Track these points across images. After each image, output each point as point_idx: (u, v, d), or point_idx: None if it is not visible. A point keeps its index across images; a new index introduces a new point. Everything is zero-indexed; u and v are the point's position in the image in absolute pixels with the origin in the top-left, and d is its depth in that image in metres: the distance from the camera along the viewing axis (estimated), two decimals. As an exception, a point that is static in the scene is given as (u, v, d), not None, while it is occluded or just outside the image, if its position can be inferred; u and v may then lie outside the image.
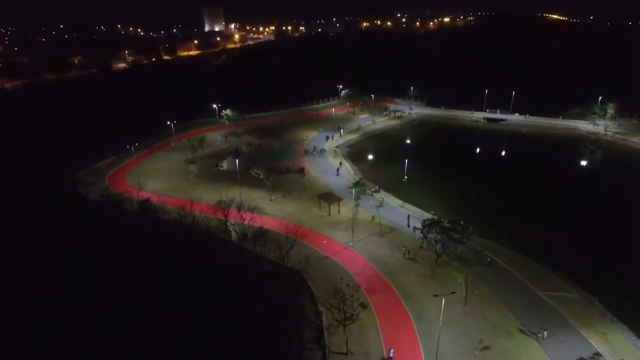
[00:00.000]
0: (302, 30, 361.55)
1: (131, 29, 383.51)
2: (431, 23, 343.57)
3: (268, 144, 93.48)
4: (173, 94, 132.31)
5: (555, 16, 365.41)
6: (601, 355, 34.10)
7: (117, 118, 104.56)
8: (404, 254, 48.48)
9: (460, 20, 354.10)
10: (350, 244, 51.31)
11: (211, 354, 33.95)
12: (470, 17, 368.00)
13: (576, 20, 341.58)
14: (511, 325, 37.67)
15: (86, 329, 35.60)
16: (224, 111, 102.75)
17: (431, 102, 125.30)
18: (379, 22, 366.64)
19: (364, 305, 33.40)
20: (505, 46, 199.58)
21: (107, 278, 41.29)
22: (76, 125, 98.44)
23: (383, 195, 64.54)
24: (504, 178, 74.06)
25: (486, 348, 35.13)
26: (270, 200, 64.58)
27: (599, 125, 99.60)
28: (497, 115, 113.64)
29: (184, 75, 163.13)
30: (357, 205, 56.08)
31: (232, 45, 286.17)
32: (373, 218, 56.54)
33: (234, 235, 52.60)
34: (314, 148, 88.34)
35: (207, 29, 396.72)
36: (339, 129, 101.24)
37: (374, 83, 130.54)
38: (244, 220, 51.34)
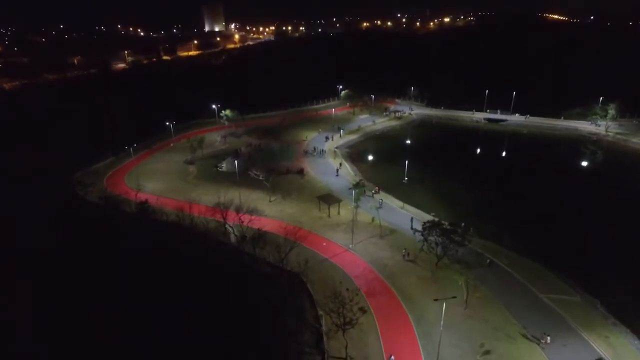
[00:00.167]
0: (302, 30, 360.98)
1: (131, 29, 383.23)
2: (431, 23, 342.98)
3: (267, 144, 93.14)
4: (172, 94, 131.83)
5: (556, 16, 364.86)
6: (604, 360, 33.78)
7: (116, 118, 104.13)
8: (403, 255, 48.10)
9: (461, 21, 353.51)
10: (350, 246, 50.94)
11: (210, 357, 33.58)
12: (470, 17, 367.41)
13: (576, 20, 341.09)
14: (512, 329, 37.29)
15: (86, 330, 35.34)
16: (223, 111, 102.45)
17: (431, 103, 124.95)
18: (379, 22, 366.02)
19: (363, 310, 33.02)
20: (506, 46, 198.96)
21: (105, 280, 40.97)
22: (75, 126, 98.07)
23: (383, 196, 64.14)
24: (505, 179, 73.72)
25: (487, 352, 34.75)
26: (270, 201, 64.21)
27: (600, 126, 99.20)
28: (498, 115, 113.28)
29: (184, 76, 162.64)
30: (357, 207, 55.69)
31: (232, 46, 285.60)
32: (373, 220, 56.16)
33: (232, 237, 52.21)
34: (314, 149, 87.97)
35: (207, 29, 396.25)
36: (339, 129, 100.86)
37: (374, 83, 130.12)
38: (242, 222, 50.95)
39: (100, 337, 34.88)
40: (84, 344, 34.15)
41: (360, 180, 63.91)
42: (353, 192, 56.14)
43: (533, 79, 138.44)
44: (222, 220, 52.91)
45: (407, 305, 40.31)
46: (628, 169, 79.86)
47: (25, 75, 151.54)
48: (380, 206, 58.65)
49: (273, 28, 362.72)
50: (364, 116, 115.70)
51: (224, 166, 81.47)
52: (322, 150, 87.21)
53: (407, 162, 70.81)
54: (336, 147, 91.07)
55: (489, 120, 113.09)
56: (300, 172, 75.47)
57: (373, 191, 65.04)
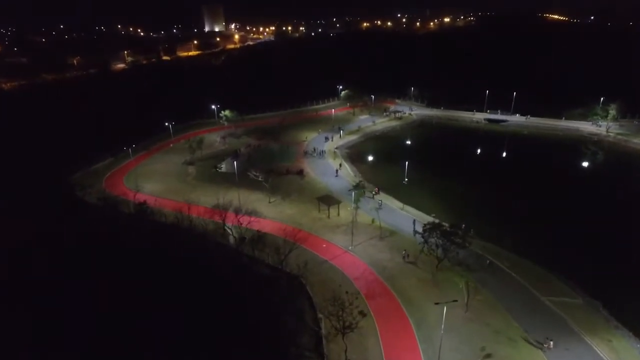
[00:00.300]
0: (302, 30, 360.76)
1: (131, 29, 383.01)
2: (431, 23, 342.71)
3: (267, 145, 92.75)
4: (172, 95, 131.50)
5: (556, 16, 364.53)
6: (606, 364, 33.41)
7: (115, 119, 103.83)
8: (403, 257, 47.72)
9: (461, 21, 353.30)
10: (350, 247, 50.55)
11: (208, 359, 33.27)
12: (470, 17, 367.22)
13: (576, 21, 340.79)
14: (514, 332, 36.90)
15: (84, 332, 35.04)
16: (223, 112, 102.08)
17: (431, 103, 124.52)
18: (379, 22, 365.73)
19: (363, 314, 32.65)
20: (506, 46, 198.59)
21: (102, 283, 40.61)
22: (74, 127, 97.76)
23: (383, 197, 63.75)
24: (505, 180, 73.33)
25: (488, 356, 34.38)
26: (269, 202, 63.83)
27: (601, 126, 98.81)
28: (498, 116, 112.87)
29: (183, 76, 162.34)
30: (356, 208, 55.27)
31: (231, 46, 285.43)
32: (373, 221, 55.77)
33: (231, 239, 51.83)
34: (314, 149, 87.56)
35: (207, 29, 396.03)
36: (339, 130, 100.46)
37: (374, 83, 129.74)
38: (241, 224, 50.56)
39: (99, 337, 34.64)
40: (83, 345, 33.92)
41: (360, 181, 63.51)
42: (353, 193, 55.61)
43: (533, 79, 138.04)
44: (221, 221, 52.59)
45: (408, 308, 39.91)
46: (629, 170, 79.46)
47: (24, 75, 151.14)
48: (379, 207, 58.23)
49: (273, 28, 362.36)
50: (364, 116, 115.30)
51: (224, 167, 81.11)
52: (322, 151, 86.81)
53: (407, 162, 70.43)
54: (336, 148, 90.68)
55: (490, 120, 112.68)
56: (300, 173, 75.07)
57: (373, 192, 64.65)
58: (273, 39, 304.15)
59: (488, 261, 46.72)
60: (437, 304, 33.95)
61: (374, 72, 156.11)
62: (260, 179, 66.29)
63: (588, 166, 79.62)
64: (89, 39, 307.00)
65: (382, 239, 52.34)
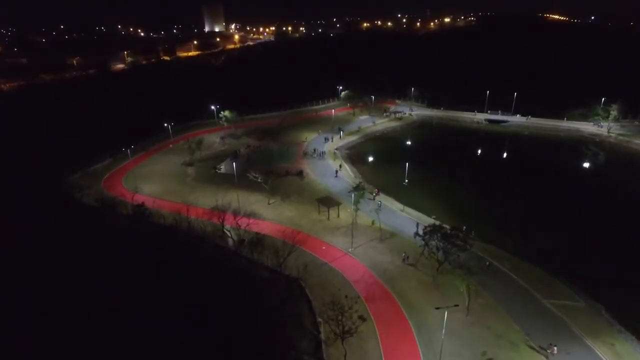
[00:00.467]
0: (302, 30, 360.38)
1: (131, 29, 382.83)
2: (432, 23, 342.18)
3: (267, 146, 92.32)
4: (172, 95, 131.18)
5: (556, 16, 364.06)
6: (609, 369, 33.00)
7: (114, 119, 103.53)
8: (403, 259, 47.31)
9: (461, 21, 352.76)
10: (350, 249, 50.13)
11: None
12: (470, 17, 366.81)
13: (577, 21, 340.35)
14: (515, 336, 36.48)
15: (81, 334, 34.78)
16: (222, 112, 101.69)
17: (432, 103, 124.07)
18: (379, 22, 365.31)
19: (363, 318, 32.21)
20: (506, 46, 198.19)
21: (99, 285, 40.27)
22: (73, 127, 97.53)
23: (383, 198, 63.32)
24: (506, 181, 72.94)
25: (490, 360, 33.97)
26: (269, 204, 63.43)
27: (603, 127, 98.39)
28: (499, 116, 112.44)
29: (183, 76, 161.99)
30: (356, 210, 54.84)
31: (231, 46, 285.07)
32: (373, 223, 55.35)
33: (230, 241, 51.43)
34: (314, 150, 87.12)
35: (207, 29, 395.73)
36: (339, 130, 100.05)
37: (374, 84, 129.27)
38: (239, 226, 50.13)
39: (95, 341, 34.32)
40: (81, 347, 33.65)
41: (360, 182, 63.05)
42: (353, 195, 55.11)
43: (534, 80, 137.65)
44: (219, 223, 52.18)
45: (408, 312, 39.48)
46: (631, 171, 78.97)
47: (23, 76, 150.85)
48: (378, 208, 57.77)
49: (273, 28, 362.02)
50: (364, 117, 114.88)
51: (223, 168, 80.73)
52: (322, 151, 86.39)
53: (407, 163, 69.97)
54: (336, 149, 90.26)
55: (490, 121, 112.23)
56: (300, 174, 74.66)
57: (374, 194, 64.18)
58: (273, 39, 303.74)
59: (488, 263, 46.34)
60: (437, 308, 33.53)
61: (374, 72, 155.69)
62: (259, 180, 65.85)
63: (589, 167, 79.17)
64: (89, 39, 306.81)
65: (383, 241, 51.93)
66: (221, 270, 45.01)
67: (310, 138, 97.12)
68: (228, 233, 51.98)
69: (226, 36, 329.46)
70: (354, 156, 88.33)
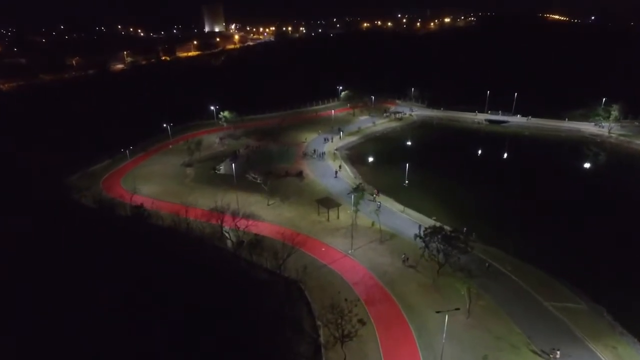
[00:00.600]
0: (302, 30, 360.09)
1: (131, 29, 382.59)
2: (432, 23, 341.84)
3: (266, 146, 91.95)
4: (171, 95, 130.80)
5: (556, 16, 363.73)
6: (611, 372, 32.67)
7: (113, 120, 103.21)
8: (403, 260, 46.98)
9: (461, 21, 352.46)
10: (350, 251, 49.80)
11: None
12: (471, 17, 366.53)
13: (577, 21, 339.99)
14: (516, 339, 36.15)
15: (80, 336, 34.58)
16: (222, 113, 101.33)
17: (432, 104, 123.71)
18: (379, 22, 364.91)
19: (362, 322, 31.82)
20: (507, 46, 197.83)
21: (95, 288, 39.97)
22: (72, 128, 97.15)
23: (383, 199, 63.00)
24: (507, 182, 72.56)
25: (491, 364, 33.64)
26: (268, 205, 63.11)
27: (604, 127, 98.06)
28: (499, 116, 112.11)
29: (183, 77, 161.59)
30: (356, 211, 54.48)
31: (231, 46, 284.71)
32: (373, 224, 55.03)
33: (229, 243, 51.09)
34: (314, 151, 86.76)
35: (207, 29, 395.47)
36: (339, 130, 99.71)
37: (374, 84, 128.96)
38: (238, 228, 49.78)
39: (93, 343, 34.10)
40: (79, 348, 33.46)
41: (360, 184, 62.70)
42: (352, 196, 54.72)
43: (534, 80, 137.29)
44: (218, 224, 51.84)
45: (408, 315, 39.14)
46: (632, 171, 78.64)
47: (22, 76, 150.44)
48: (378, 209, 57.39)
49: (273, 28, 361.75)
50: (364, 117, 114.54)
51: (222, 169, 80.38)
52: (322, 152, 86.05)
53: (407, 164, 69.61)
54: (336, 149, 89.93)
55: (490, 121, 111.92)
56: (299, 174, 74.36)
57: (374, 195, 63.76)
58: (273, 39, 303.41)
59: (487, 264, 45.99)
60: (438, 312, 33.19)
61: (374, 72, 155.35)
62: (258, 181, 65.50)
63: (590, 168, 78.83)
64: (89, 39, 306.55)
65: (383, 243, 51.60)
66: (220, 272, 44.67)
67: (310, 139, 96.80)
68: (227, 234, 51.59)
69: (226, 36, 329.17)
70: (354, 157, 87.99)
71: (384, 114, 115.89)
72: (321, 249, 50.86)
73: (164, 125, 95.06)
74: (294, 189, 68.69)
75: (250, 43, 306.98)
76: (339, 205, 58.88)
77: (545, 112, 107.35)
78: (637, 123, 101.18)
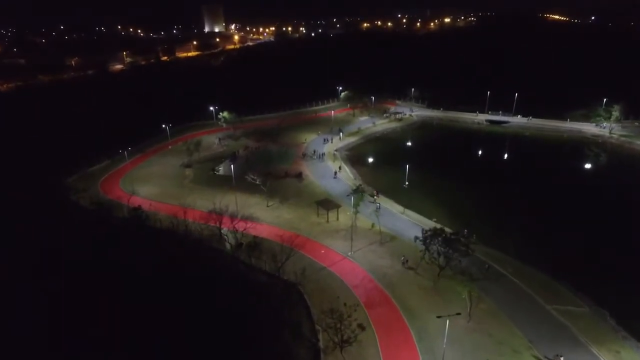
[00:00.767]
0: (302, 31, 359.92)
1: (131, 29, 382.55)
2: (432, 24, 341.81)
3: (266, 147, 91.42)
4: (170, 96, 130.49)
5: (556, 16, 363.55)
6: (615, 377, 32.15)
7: (112, 121, 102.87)
8: (403, 262, 46.50)
9: (461, 21, 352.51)
10: (349, 253, 49.30)
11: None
12: (471, 17, 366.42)
13: (577, 21, 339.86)
14: (518, 343, 35.63)
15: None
16: (221, 113, 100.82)
17: (432, 104, 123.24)
18: (379, 22, 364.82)
19: (362, 327, 31.30)
20: (507, 47, 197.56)
21: (91, 290, 39.57)
22: (71, 128, 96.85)
23: (383, 201, 62.46)
24: (508, 183, 71.96)
25: (492, 368, 33.13)
26: (267, 206, 62.62)
27: (605, 128, 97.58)
28: (499, 117, 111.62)
29: (182, 77, 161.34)
30: (356, 212, 53.98)
31: (231, 46, 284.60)
32: (373, 225, 54.53)
33: (227, 245, 50.60)
34: (314, 152, 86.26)
35: (207, 29, 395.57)
36: (339, 131, 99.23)
37: (374, 84, 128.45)
38: (236, 230, 49.28)
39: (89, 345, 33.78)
40: (77, 349, 33.49)
41: (360, 185, 62.20)
42: (352, 198, 54.19)
43: (534, 80, 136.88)
44: (217, 226, 51.36)
45: (408, 318, 38.59)
46: (634, 172, 78.13)
47: (21, 76, 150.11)
48: (377, 210, 56.89)
49: (273, 29, 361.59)
50: (363, 118, 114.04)
51: (221, 170, 79.87)
52: (322, 153, 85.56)
53: (407, 165, 69.08)
54: (335, 150, 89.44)
55: (491, 122, 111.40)
56: (299, 175, 73.89)
57: (375, 197, 63.17)
58: (273, 39, 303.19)
59: (487, 265, 45.49)
60: (439, 317, 32.65)
61: (374, 72, 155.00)
62: (257, 182, 65.01)
63: (592, 168, 78.34)
64: (89, 40, 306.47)
65: (383, 245, 51.10)
66: (218, 274, 44.20)
67: (310, 139, 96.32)
68: (225, 237, 51.11)
69: (226, 36, 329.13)
70: (354, 158, 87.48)
71: (384, 115, 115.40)
72: (320, 251, 50.35)
73: (163, 125, 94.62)
74: (294, 190, 68.20)
75: (250, 43, 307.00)
76: (339, 207, 58.38)
77: (546, 112, 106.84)
78: (637, 123, 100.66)
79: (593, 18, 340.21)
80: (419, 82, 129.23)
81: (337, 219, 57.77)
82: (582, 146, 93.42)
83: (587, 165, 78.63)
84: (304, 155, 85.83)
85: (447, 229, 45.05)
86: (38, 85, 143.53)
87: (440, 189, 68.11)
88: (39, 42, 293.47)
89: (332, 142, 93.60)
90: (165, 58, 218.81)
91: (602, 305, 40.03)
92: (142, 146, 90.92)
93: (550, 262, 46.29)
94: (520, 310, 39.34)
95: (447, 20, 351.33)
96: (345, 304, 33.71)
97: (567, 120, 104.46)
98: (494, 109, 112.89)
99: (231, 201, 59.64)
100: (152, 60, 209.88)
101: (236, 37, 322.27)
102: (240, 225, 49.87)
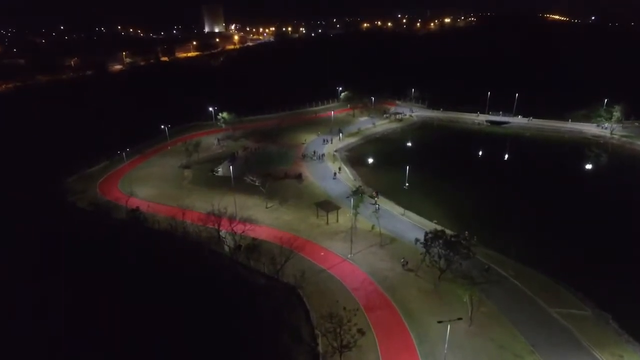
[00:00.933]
0: (302, 31, 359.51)
1: (131, 30, 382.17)
2: (432, 24, 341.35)
3: (265, 148, 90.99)
4: (170, 96, 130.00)
5: (556, 17, 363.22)
6: (618, 381, 31.71)
7: (111, 121, 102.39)
8: (402, 264, 46.06)
9: (461, 21, 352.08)
10: (349, 256, 48.86)
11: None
12: (471, 17, 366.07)
13: (577, 21, 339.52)
14: (520, 347, 35.17)
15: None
16: (220, 114, 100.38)
17: (432, 104, 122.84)
18: (379, 22, 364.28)
19: (362, 332, 30.83)
20: (507, 47, 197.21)
21: (89, 292, 39.15)
22: (70, 129, 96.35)
23: (383, 202, 61.98)
24: (508, 183, 71.55)
25: (494, 374, 32.69)
26: (266, 208, 62.19)
27: (607, 128, 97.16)
28: (500, 117, 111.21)
29: (181, 77, 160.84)
30: (356, 214, 53.52)
31: (231, 47, 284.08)
32: (373, 227, 54.08)
33: (226, 247, 50.15)
34: (314, 153, 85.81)
35: (206, 29, 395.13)
36: (339, 132, 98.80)
37: (374, 85, 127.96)
38: (235, 232, 48.81)
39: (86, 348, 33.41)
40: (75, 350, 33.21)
41: (360, 186, 61.73)
42: (352, 199, 53.68)
43: (534, 81, 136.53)
44: (215, 228, 50.92)
45: (409, 322, 38.14)
46: (635, 172, 77.74)
47: (20, 77, 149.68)
48: (376, 211, 56.45)
49: (273, 29, 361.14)
50: (363, 118, 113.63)
51: (220, 171, 79.40)
52: (322, 154, 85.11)
53: (407, 166, 68.56)
54: (335, 151, 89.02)
55: (491, 122, 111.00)
56: (299, 177, 73.46)
57: (375, 198, 62.67)
58: (273, 39, 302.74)
59: (487, 267, 45.05)
60: (440, 322, 32.17)
61: (374, 73, 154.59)
62: (257, 183, 64.57)
63: (593, 169, 77.92)
64: (89, 40, 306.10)
65: (383, 247, 50.66)
66: (216, 277, 43.76)
67: (310, 140, 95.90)
68: (224, 238, 50.66)
69: (226, 37, 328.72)
70: (354, 158, 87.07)
71: (384, 115, 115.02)
72: (320, 253, 49.91)
73: (162, 126, 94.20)
74: (293, 192, 67.77)
75: (250, 43, 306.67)
76: (338, 209, 57.93)
77: (546, 113, 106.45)
78: (638, 124, 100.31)
79: (593, 18, 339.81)
80: (419, 83, 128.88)
81: (337, 220, 57.32)
82: (582, 147, 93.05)
83: (588, 166, 78.20)
84: (304, 156, 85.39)
85: (448, 231, 44.64)
86: (37, 85, 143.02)
87: (441, 190, 67.73)
88: (39, 42, 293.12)
89: (331, 143, 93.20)
90: (164, 58, 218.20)
91: (604, 308, 39.59)
92: (141, 147, 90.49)
93: (552, 264, 45.89)
94: (522, 314, 38.90)
95: (447, 20, 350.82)
96: (344, 308, 33.20)
97: (568, 120, 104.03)
98: (495, 110, 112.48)
99: (230, 202, 59.19)
100: (152, 61, 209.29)
101: (236, 38, 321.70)
102: (239, 227, 49.37)
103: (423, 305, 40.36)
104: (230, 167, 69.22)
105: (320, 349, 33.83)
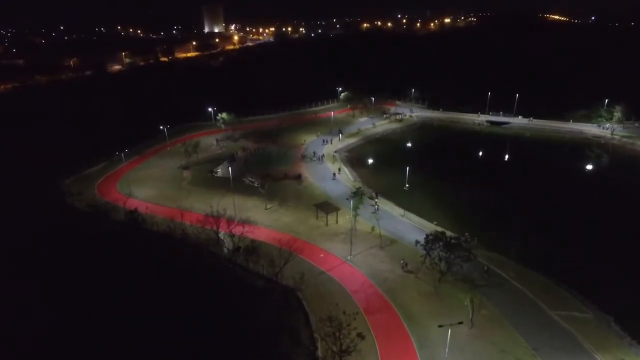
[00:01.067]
0: (302, 31, 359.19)
1: (131, 30, 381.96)
2: (432, 24, 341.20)
3: (265, 148, 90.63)
4: (169, 97, 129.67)
5: (556, 17, 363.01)
6: (620, 385, 31.38)
7: (110, 122, 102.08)
8: (402, 266, 45.70)
9: (461, 21, 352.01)
10: (349, 257, 48.51)
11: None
12: (471, 17, 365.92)
13: (577, 21, 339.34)
14: (522, 351, 34.81)
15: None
16: (220, 114, 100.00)
17: (432, 105, 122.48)
18: (379, 23, 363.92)
19: (362, 336, 30.46)
20: (507, 47, 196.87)
21: (87, 294, 38.89)
22: (68, 130, 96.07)
23: (383, 203, 61.56)
24: (509, 184, 71.17)
25: (495, 378, 32.33)
26: (266, 209, 61.83)
27: (607, 129, 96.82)
28: (500, 118, 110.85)
29: (181, 78, 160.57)
30: (355, 216, 53.16)
31: (231, 47, 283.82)
32: (373, 229, 53.70)
33: (225, 249, 49.80)
34: (314, 153, 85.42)
35: (206, 30, 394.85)
36: (338, 132, 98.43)
37: (374, 85, 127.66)
38: (234, 234, 48.44)
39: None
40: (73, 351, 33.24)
41: (359, 187, 61.36)
42: (351, 201, 53.29)
43: (534, 81, 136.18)
44: (214, 230, 50.59)
45: (409, 325, 37.77)
46: (636, 173, 77.37)
47: (19, 77, 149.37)
48: (375, 211, 56.04)
49: (273, 29, 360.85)
50: (363, 119, 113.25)
51: (220, 171, 79.05)
52: (321, 154, 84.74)
53: (407, 166, 68.20)
54: (335, 151, 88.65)
55: (491, 122, 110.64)
56: (298, 177, 73.11)
57: (376, 200, 62.27)
58: (272, 40, 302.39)
59: (486, 268, 44.69)
60: (440, 326, 31.81)
61: (374, 73, 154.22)
62: (256, 184, 64.20)
63: (594, 169, 77.57)
64: (89, 40, 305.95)
65: (383, 248, 50.30)
66: (215, 279, 43.44)
67: (309, 140, 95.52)
68: (223, 240, 50.30)
69: (225, 37, 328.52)
70: (354, 159, 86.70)
71: (384, 115, 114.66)
72: (319, 255, 49.55)
73: (161, 127, 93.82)
74: (293, 193, 67.40)
75: (250, 44, 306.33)
76: (338, 210, 57.59)
77: (547, 113, 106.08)
78: (638, 124, 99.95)
79: (593, 18, 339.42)
80: (419, 83, 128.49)
81: (337, 222, 56.96)
82: (583, 147, 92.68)
83: (589, 167, 77.87)
84: (303, 156, 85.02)
85: (448, 232, 44.28)
86: (35, 85, 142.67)
87: (441, 191, 67.36)
88: (39, 42, 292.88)
89: (331, 144, 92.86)
90: (164, 59, 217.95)
91: (606, 310, 39.24)
92: (140, 147, 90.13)
93: (552, 265, 45.56)
94: (523, 317, 38.56)
95: (447, 20, 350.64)
96: (344, 312, 32.82)
97: (568, 121, 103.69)
98: (495, 110, 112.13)
99: (229, 203, 58.81)
100: (151, 61, 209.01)
101: (236, 38, 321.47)
102: (238, 229, 49.00)
103: (423, 308, 40.00)
104: (230, 167, 68.87)
105: (319, 353, 33.47)
